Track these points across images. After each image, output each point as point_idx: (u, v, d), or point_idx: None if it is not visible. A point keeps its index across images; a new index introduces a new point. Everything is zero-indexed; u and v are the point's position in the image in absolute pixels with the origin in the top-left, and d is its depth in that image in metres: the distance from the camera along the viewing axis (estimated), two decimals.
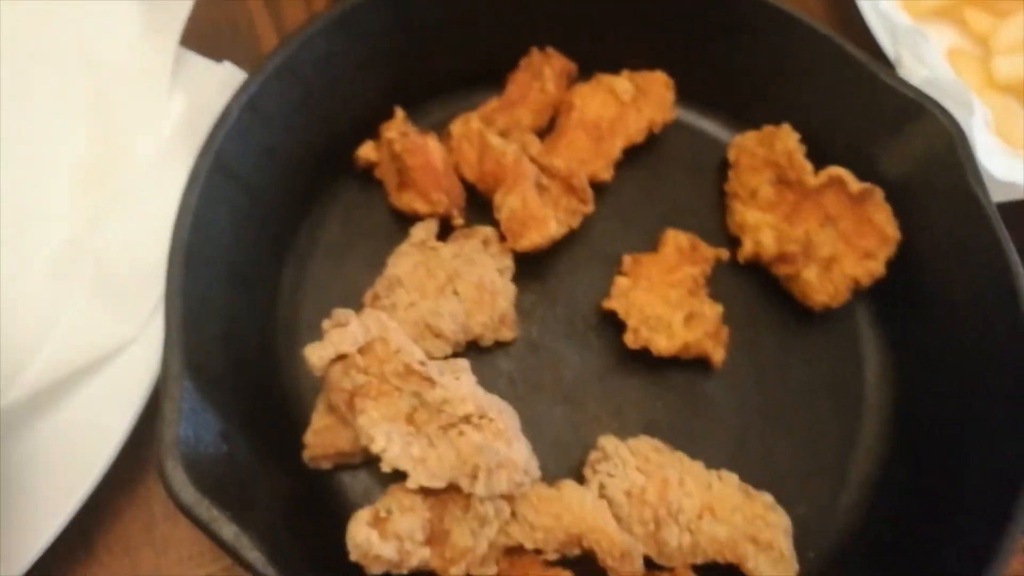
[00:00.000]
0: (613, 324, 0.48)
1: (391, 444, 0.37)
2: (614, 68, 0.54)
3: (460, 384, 0.39)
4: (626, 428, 0.45)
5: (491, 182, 0.49)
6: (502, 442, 0.38)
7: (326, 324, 0.39)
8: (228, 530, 0.33)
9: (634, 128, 0.53)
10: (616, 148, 0.52)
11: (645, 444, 0.43)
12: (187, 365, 0.36)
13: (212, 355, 0.38)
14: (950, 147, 0.48)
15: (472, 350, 0.46)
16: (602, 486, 0.41)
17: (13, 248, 0.43)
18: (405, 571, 0.37)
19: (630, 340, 0.46)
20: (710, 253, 0.50)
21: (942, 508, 0.43)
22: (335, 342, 0.37)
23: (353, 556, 0.36)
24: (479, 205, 0.49)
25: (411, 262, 0.45)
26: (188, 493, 0.33)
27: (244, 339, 0.41)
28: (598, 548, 0.38)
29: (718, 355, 0.47)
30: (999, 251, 0.45)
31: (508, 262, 0.47)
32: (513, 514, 0.39)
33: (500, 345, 0.47)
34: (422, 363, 0.39)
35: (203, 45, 0.50)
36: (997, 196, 0.51)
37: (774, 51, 0.52)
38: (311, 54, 0.45)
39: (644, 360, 0.47)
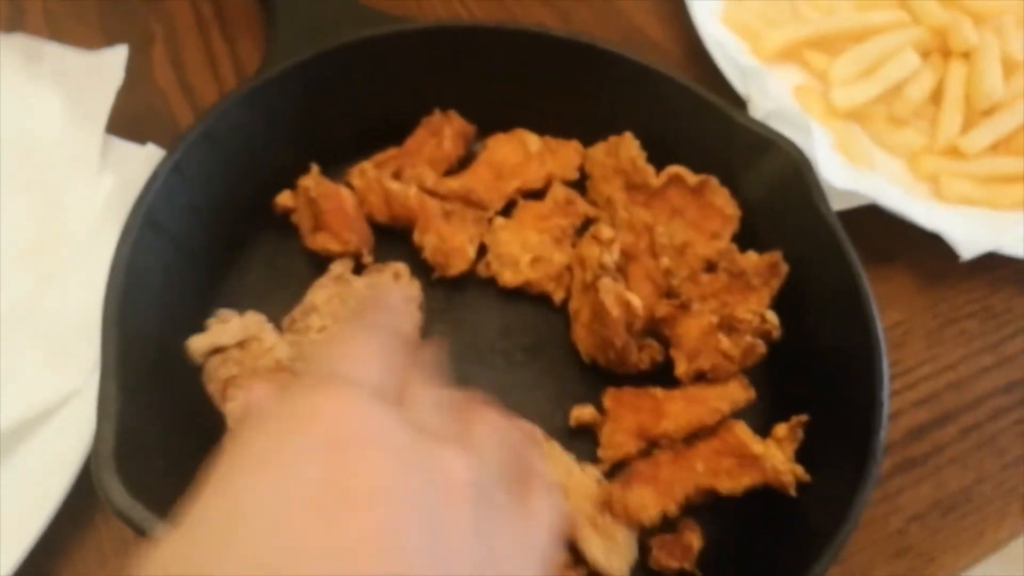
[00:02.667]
0: (521, 348, 0.54)
1: None
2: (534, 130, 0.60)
3: None
4: None
5: (404, 222, 0.55)
6: None
7: (211, 320, 0.44)
8: (160, 528, 0.37)
9: (533, 176, 0.60)
10: (511, 186, 0.58)
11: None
12: (122, 388, 0.40)
13: (146, 381, 0.43)
14: (796, 172, 0.55)
15: None
16: None
17: None
18: None
19: (482, 269, 0.54)
20: (583, 209, 0.57)
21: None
22: (214, 335, 0.43)
23: None
24: (392, 240, 0.56)
25: (327, 293, 0.51)
26: (122, 498, 0.37)
27: (177, 369, 0.46)
28: None
29: (558, 295, 0.54)
30: (841, 253, 0.52)
31: (416, 293, 0.53)
32: None
33: None
34: (291, 359, 0.44)
35: (126, 130, 0.56)
36: (842, 204, 0.59)
37: (643, 100, 0.59)
38: (226, 123, 0.51)
39: (549, 373, 0.53)
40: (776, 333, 0.50)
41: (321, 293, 0.50)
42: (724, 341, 0.48)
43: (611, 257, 0.51)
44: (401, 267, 0.53)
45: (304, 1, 0.59)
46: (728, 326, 0.49)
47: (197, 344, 0.45)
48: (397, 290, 0.51)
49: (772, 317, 0.49)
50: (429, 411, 0.30)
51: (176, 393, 0.45)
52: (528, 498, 0.31)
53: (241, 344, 0.45)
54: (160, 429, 0.42)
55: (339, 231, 0.52)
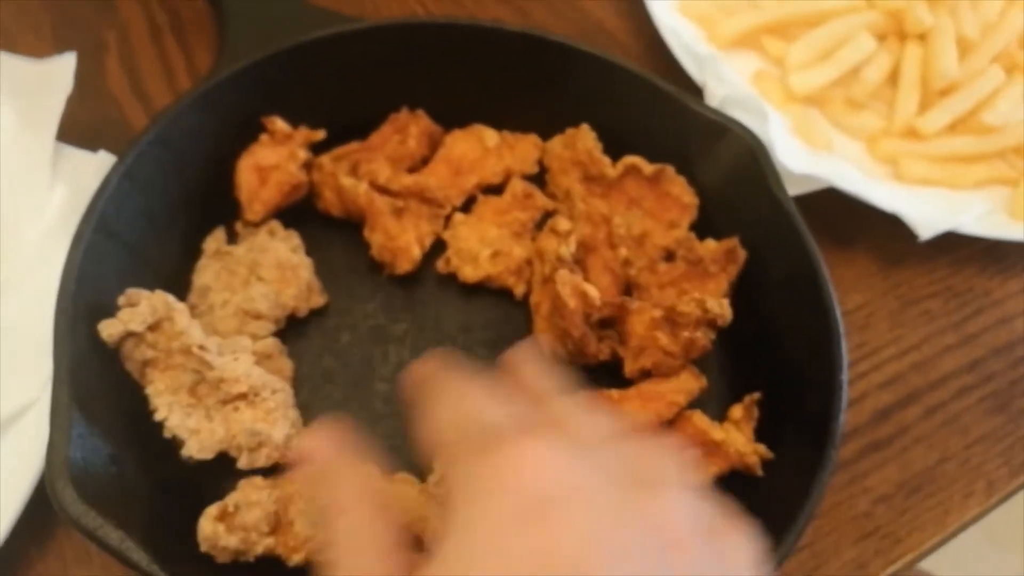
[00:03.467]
0: (482, 343, 0.54)
1: (172, 414, 0.43)
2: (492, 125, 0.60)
3: (237, 365, 0.45)
4: None
5: (357, 217, 0.55)
6: (268, 422, 0.44)
7: (120, 301, 0.44)
8: (114, 535, 0.36)
9: (491, 171, 0.60)
10: (470, 183, 0.58)
11: None
12: (74, 397, 0.40)
13: (100, 394, 0.42)
14: (752, 157, 0.55)
15: (347, 378, 0.51)
16: (444, 475, 0.45)
17: None
18: (252, 558, 0.42)
19: (441, 266, 0.55)
20: (542, 203, 0.57)
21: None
22: (124, 320, 0.43)
23: (203, 547, 0.41)
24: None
25: (212, 270, 0.51)
26: (76, 506, 0.37)
27: (131, 381, 0.45)
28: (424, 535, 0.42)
29: (518, 289, 0.54)
30: (798, 237, 0.52)
31: (296, 240, 0.54)
32: None
33: (374, 369, 0.52)
34: (201, 347, 0.44)
35: (80, 138, 0.56)
36: (801, 189, 0.60)
37: (599, 91, 0.59)
38: (179, 127, 0.51)
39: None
40: (722, 321, 0.50)
41: (207, 273, 0.51)
42: (663, 338, 0.48)
43: (568, 249, 0.51)
44: (274, 224, 0.54)
45: (255, 3, 0.59)
46: (671, 320, 0.49)
47: (108, 329, 0.43)
48: None
49: (714, 306, 0.49)
50: (603, 443, 0.29)
51: (128, 398, 0.44)
52: (723, 545, 0.28)
53: (153, 327, 0.44)
54: (112, 435, 0.41)
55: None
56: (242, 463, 0.45)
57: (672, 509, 0.27)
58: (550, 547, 0.24)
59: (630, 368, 0.51)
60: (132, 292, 0.44)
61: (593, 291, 0.49)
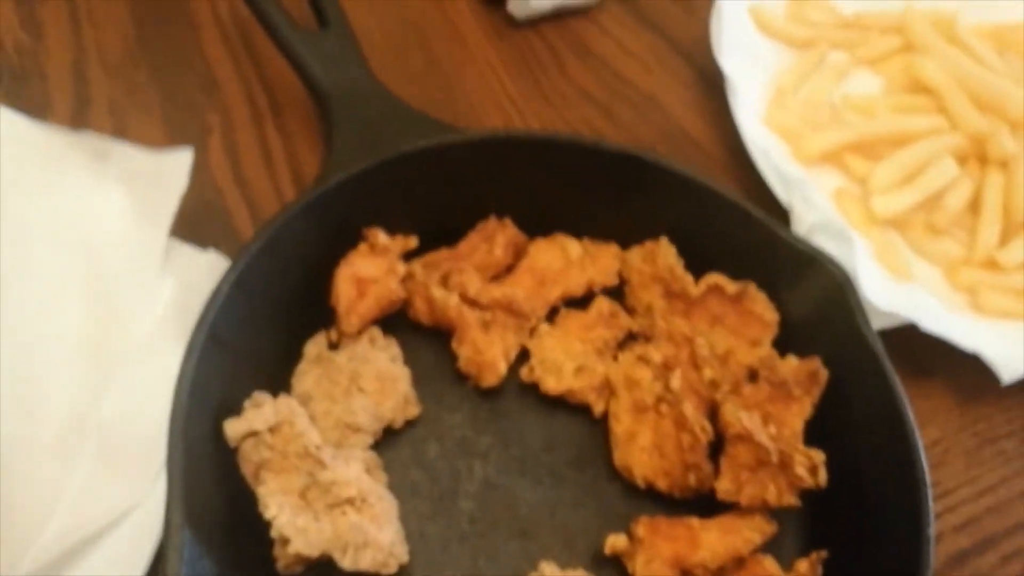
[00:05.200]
0: (565, 462, 0.55)
1: (281, 513, 0.44)
2: (572, 232, 0.62)
3: (349, 470, 0.47)
4: (574, 557, 0.51)
5: (445, 327, 0.57)
6: (375, 525, 0.45)
7: (246, 403, 0.47)
8: None
9: (574, 283, 0.61)
10: (554, 294, 0.60)
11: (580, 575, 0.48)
12: (187, 516, 0.41)
13: (208, 505, 0.44)
14: (840, 291, 0.56)
15: (434, 492, 0.52)
16: None
17: (20, 426, 0.47)
18: None
19: (525, 374, 0.56)
20: (626, 323, 0.58)
21: None
22: (249, 419, 0.46)
23: None
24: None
25: (313, 376, 0.53)
26: None
27: (235, 488, 0.47)
28: None
29: (598, 407, 0.55)
30: (884, 378, 0.53)
31: (396, 350, 0.56)
32: None
33: (460, 485, 0.53)
34: (318, 447, 0.46)
35: (182, 225, 0.57)
36: (884, 323, 0.60)
37: (685, 208, 0.60)
38: (286, 235, 0.53)
39: (592, 493, 0.54)
40: (817, 486, 0.51)
41: (307, 379, 0.52)
42: (772, 490, 0.49)
43: (677, 382, 0.52)
44: (375, 331, 0.55)
45: (361, 105, 0.61)
46: (783, 464, 0.49)
47: (233, 428, 0.47)
48: None
49: (823, 477, 0.51)
50: None
51: (235, 513, 0.46)
52: None
53: (273, 429, 0.47)
54: (219, 553, 0.43)
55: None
56: (346, 563, 0.45)
57: None
58: None
59: (725, 488, 0.51)
60: (258, 395, 0.47)
61: (707, 423, 0.51)
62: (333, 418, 0.50)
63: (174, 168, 0.56)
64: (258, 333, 0.52)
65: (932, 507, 0.49)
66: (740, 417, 0.50)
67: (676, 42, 0.80)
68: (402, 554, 0.47)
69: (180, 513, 0.41)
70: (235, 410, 0.48)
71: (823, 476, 0.51)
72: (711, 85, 0.76)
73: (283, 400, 0.48)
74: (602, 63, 0.77)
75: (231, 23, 0.72)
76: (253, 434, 0.47)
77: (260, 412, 0.47)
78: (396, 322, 0.57)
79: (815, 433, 0.54)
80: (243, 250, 0.51)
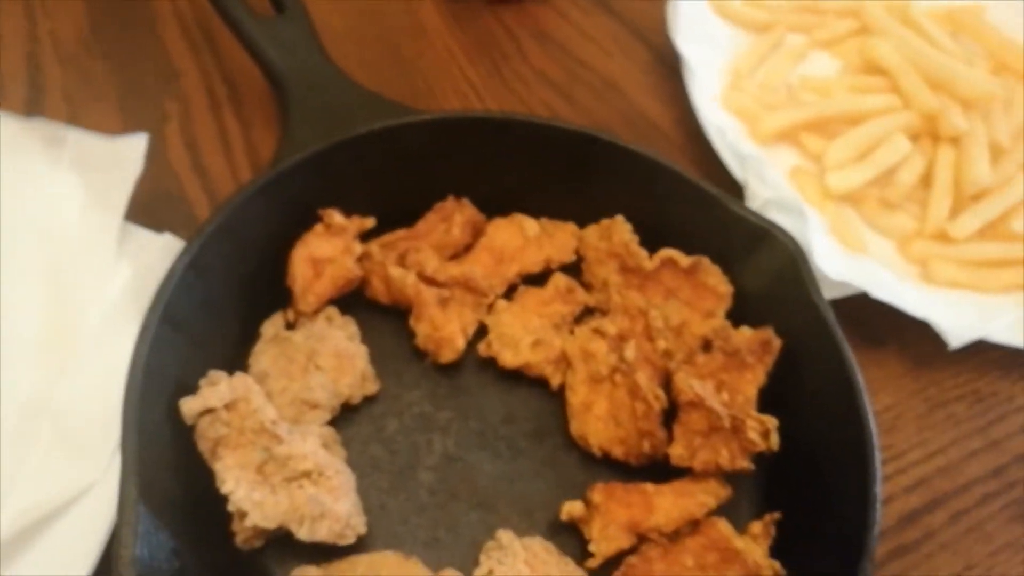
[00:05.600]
0: (523, 434, 0.55)
1: (238, 487, 0.45)
2: (530, 212, 0.63)
3: (305, 444, 0.47)
4: (533, 526, 0.52)
5: (403, 305, 0.57)
6: (332, 497, 0.46)
7: (202, 382, 0.47)
8: None
9: (531, 260, 0.62)
10: (512, 271, 0.60)
11: (538, 544, 0.49)
12: (141, 492, 0.41)
13: (164, 483, 0.44)
14: (792, 263, 0.57)
15: (393, 466, 0.53)
16: (491, 571, 0.47)
17: None
18: None
19: (483, 349, 0.57)
20: (583, 298, 0.59)
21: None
22: (205, 397, 0.46)
23: None
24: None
25: (270, 355, 0.53)
26: None
27: (192, 466, 0.47)
28: None
29: (555, 380, 0.56)
30: (835, 345, 0.54)
31: (353, 328, 0.56)
32: None
33: (419, 459, 0.53)
34: (274, 422, 0.47)
35: (140, 212, 0.57)
36: (836, 293, 0.61)
37: (641, 186, 0.61)
38: (241, 216, 0.53)
39: (550, 463, 0.54)
40: (770, 450, 0.52)
41: (264, 358, 0.53)
42: (724, 454, 0.50)
43: (631, 353, 0.53)
44: (332, 310, 0.56)
45: (317, 89, 0.61)
46: (735, 429, 0.50)
47: (188, 406, 0.47)
48: None
49: (775, 441, 0.52)
50: None
51: (190, 488, 0.46)
52: None
53: (229, 406, 0.47)
54: (174, 527, 0.43)
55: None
56: (303, 533, 0.46)
57: None
58: None
59: (679, 453, 0.52)
60: (213, 373, 0.47)
61: (660, 392, 0.52)
62: (290, 395, 0.51)
63: (128, 153, 0.56)
64: (214, 314, 0.52)
65: (880, 467, 0.50)
66: (692, 384, 0.51)
67: (635, 26, 0.81)
68: (359, 525, 0.47)
69: (134, 488, 0.41)
70: (191, 389, 0.48)
71: (775, 440, 0.52)
72: (669, 69, 0.77)
73: (239, 377, 0.48)
74: (561, 48, 0.78)
75: (189, 13, 0.72)
76: (209, 411, 0.47)
77: (216, 390, 0.47)
78: (354, 301, 0.57)
79: (770, 400, 0.56)
80: (198, 231, 0.51)
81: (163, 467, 0.45)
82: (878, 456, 0.50)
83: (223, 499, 0.46)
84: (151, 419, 0.45)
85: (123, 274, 0.54)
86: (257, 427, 0.47)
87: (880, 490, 0.49)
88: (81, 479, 0.47)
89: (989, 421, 0.64)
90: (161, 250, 0.54)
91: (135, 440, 0.43)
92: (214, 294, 0.52)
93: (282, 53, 0.62)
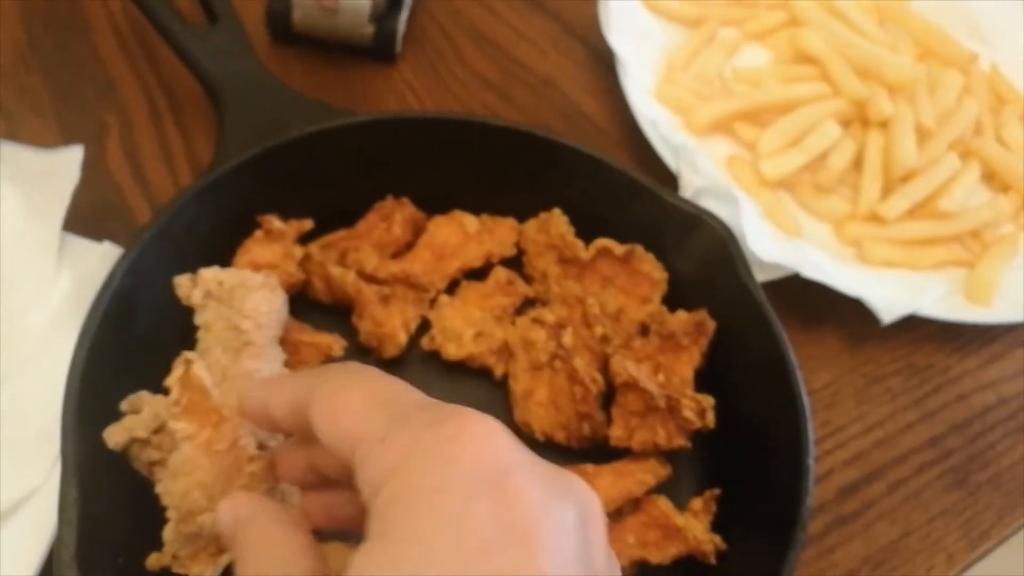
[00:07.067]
0: None
1: None
2: (471, 208, 0.63)
3: None
4: None
5: (345, 304, 0.58)
6: None
7: (123, 406, 0.45)
8: None
9: (472, 255, 0.63)
10: (453, 267, 0.61)
11: None
12: (82, 491, 0.42)
13: (104, 483, 0.44)
14: (723, 247, 0.59)
15: None
16: None
17: None
18: None
19: (426, 343, 0.58)
20: (523, 290, 0.61)
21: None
22: (129, 427, 0.43)
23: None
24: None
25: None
26: None
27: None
28: None
29: (498, 370, 0.57)
30: (767, 324, 0.56)
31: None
32: None
33: None
34: None
35: (81, 224, 0.58)
36: (770, 275, 0.63)
37: (577, 180, 0.63)
38: (180, 221, 0.54)
39: None
40: (706, 427, 0.53)
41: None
42: (661, 433, 0.51)
43: (568, 339, 0.54)
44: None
45: (252, 96, 0.62)
46: (671, 408, 0.52)
47: (113, 438, 0.44)
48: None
49: (710, 419, 0.53)
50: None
51: (135, 487, 0.46)
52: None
53: (157, 430, 0.44)
54: (121, 527, 0.43)
55: None
56: None
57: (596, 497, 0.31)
58: (509, 515, 0.27)
59: (618, 435, 0.54)
60: (134, 398, 0.45)
61: (598, 376, 0.53)
62: (232, 396, 0.51)
63: (65, 164, 0.57)
64: (159, 320, 0.53)
65: (812, 439, 0.51)
66: (627, 367, 0.53)
67: (569, 25, 0.83)
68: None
69: (74, 489, 0.42)
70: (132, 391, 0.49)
71: (711, 418, 0.53)
72: (604, 65, 0.79)
73: (160, 400, 0.45)
74: (497, 48, 0.80)
75: (125, 23, 0.73)
76: (136, 440, 0.44)
77: (139, 418, 0.44)
78: (297, 302, 0.58)
79: (707, 381, 0.57)
80: (135, 237, 0.52)
81: (103, 468, 0.45)
82: (810, 428, 0.52)
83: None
84: (92, 423, 0.45)
85: (64, 283, 0.54)
86: None
87: (813, 461, 0.51)
88: (22, 485, 0.47)
89: (925, 393, 0.67)
90: (101, 258, 0.55)
91: (74, 442, 0.44)
92: (157, 300, 0.52)
93: (216, 61, 0.63)
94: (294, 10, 0.70)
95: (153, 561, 0.42)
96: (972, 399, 0.67)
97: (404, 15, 0.74)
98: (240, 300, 0.49)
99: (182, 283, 0.50)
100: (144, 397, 0.45)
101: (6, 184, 0.56)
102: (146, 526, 0.45)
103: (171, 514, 0.42)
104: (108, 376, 0.48)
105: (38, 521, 0.46)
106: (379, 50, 0.74)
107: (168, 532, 0.42)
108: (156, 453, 0.44)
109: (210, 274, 0.50)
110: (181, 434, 0.42)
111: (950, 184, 0.73)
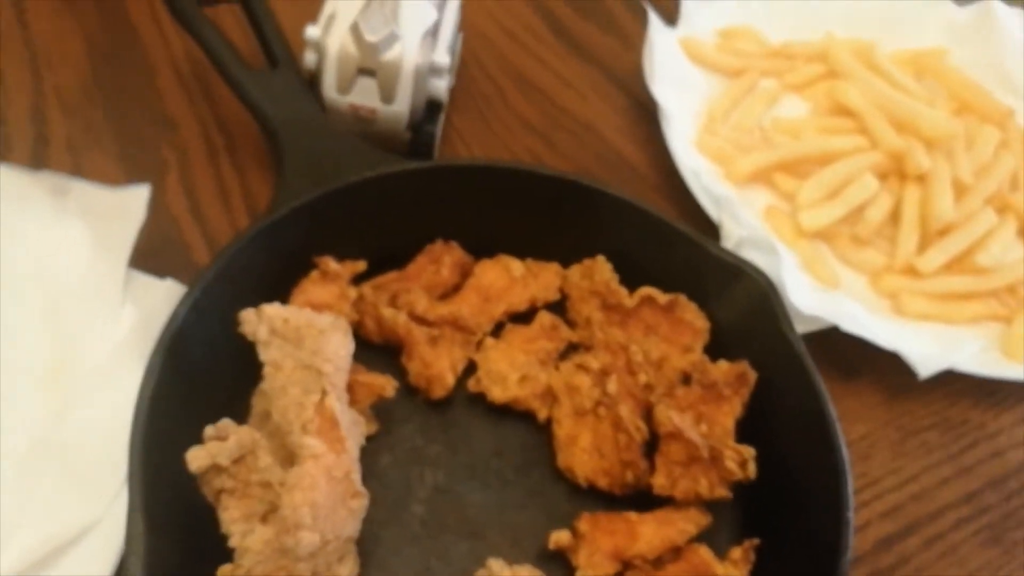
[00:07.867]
0: (511, 466, 0.58)
1: (243, 541, 0.46)
2: (516, 253, 0.65)
3: None
4: (521, 554, 0.53)
5: (395, 344, 0.60)
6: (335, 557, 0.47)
7: (209, 431, 0.47)
8: None
9: (518, 299, 0.64)
10: (499, 310, 0.63)
11: (527, 571, 0.51)
12: (148, 525, 0.43)
13: (168, 513, 0.46)
14: (764, 298, 0.60)
15: (386, 499, 0.55)
16: None
17: None
18: None
19: (472, 385, 0.59)
20: (567, 335, 0.62)
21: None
22: (212, 452, 0.46)
23: None
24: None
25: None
26: None
27: (196, 496, 0.49)
28: None
29: (542, 414, 0.58)
30: (807, 376, 0.57)
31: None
32: None
33: (411, 491, 0.55)
34: (282, 483, 0.47)
35: (142, 258, 0.60)
36: (809, 327, 0.64)
37: (621, 228, 0.64)
38: (239, 262, 0.56)
39: (538, 494, 0.57)
40: (747, 478, 0.54)
41: (265, 399, 0.52)
42: (704, 483, 0.52)
43: (613, 386, 0.55)
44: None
45: (310, 139, 0.64)
46: (713, 459, 0.53)
47: (196, 460, 0.46)
48: None
49: (752, 470, 0.54)
50: None
51: (200, 520, 0.48)
52: None
53: (237, 460, 0.48)
54: (186, 559, 0.45)
55: None
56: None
57: None
58: None
59: (661, 483, 0.55)
60: (221, 425, 0.47)
61: (642, 424, 0.55)
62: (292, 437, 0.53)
63: (132, 203, 0.59)
64: (216, 355, 0.55)
65: (852, 493, 0.52)
66: (671, 416, 0.54)
67: (612, 73, 0.85)
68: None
69: (141, 521, 0.43)
70: (194, 425, 0.50)
71: (752, 469, 0.54)
72: (645, 112, 0.81)
73: (246, 431, 0.49)
74: (542, 94, 0.82)
75: (186, 63, 0.75)
76: (216, 466, 0.47)
77: (224, 446, 0.47)
78: None
79: (747, 430, 0.58)
80: (198, 276, 0.54)
81: (167, 499, 0.47)
82: (850, 481, 0.53)
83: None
84: (157, 458, 0.47)
85: (128, 318, 0.56)
86: (263, 483, 0.48)
87: (853, 515, 0.52)
88: (87, 515, 0.49)
89: (961, 448, 0.67)
90: (164, 294, 0.57)
91: (141, 476, 0.45)
92: (215, 336, 0.54)
93: (276, 105, 0.65)
94: (328, 114, 0.68)
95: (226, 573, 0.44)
96: (1008, 456, 0.67)
97: (441, 119, 0.72)
98: (312, 341, 0.51)
99: (248, 318, 0.51)
100: (231, 426, 0.48)
101: (75, 219, 0.58)
102: (209, 555, 0.47)
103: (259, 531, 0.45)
104: (169, 410, 0.50)
105: (100, 552, 0.48)
106: (416, 154, 0.71)
107: (256, 542, 0.44)
108: (229, 482, 0.47)
109: (273, 311, 0.52)
110: (309, 451, 0.45)
111: (987, 239, 0.74)
